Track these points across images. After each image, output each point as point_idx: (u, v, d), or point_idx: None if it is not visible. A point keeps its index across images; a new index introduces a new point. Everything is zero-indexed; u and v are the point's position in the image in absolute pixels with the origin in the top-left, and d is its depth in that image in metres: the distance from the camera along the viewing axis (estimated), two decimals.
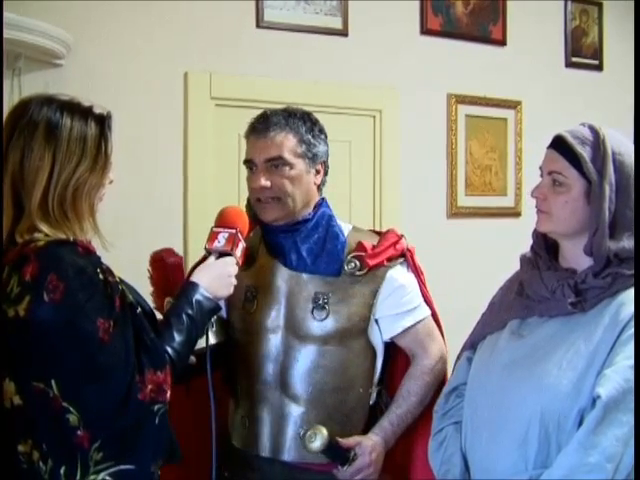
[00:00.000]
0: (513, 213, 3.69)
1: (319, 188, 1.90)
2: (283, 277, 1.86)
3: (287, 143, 1.81)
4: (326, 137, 1.90)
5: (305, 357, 1.82)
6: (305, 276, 1.84)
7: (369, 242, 1.87)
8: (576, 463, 1.38)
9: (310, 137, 1.84)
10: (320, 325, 1.81)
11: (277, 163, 1.80)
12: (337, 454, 1.78)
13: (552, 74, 3.85)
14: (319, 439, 1.71)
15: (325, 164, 1.90)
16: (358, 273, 1.82)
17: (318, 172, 1.87)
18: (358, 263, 1.83)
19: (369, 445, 1.79)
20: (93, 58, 2.81)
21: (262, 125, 1.83)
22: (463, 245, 3.56)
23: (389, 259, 1.86)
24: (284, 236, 1.86)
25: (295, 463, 1.81)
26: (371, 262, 1.83)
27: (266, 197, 1.82)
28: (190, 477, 1.83)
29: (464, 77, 3.59)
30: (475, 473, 1.58)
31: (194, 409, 1.82)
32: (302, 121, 1.84)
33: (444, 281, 3.30)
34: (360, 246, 1.85)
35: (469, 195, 3.63)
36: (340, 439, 1.78)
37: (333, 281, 1.83)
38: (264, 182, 1.80)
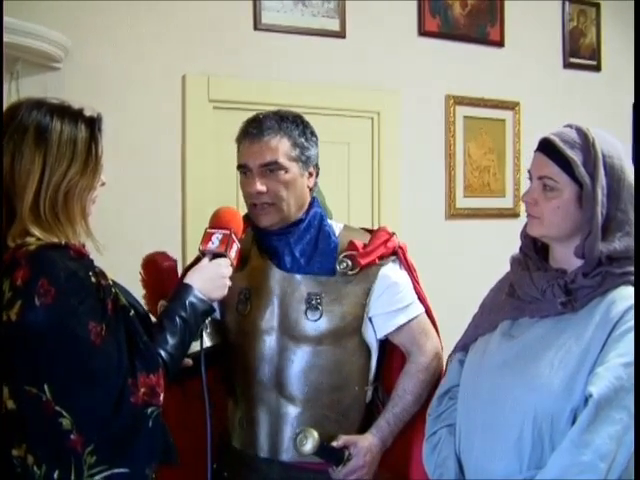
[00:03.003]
0: (511, 214, 3.68)
1: (311, 190, 1.90)
2: (276, 278, 1.86)
3: (282, 147, 1.80)
4: (317, 140, 1.90)
5: (300, 358, 1.82)
6: (298, 277, 1.84)
7: (360, 241, 1.86)
8: (569, 463, 1.38)
9: (303, 140, 1.84)
10: (314, 325, 1.81)
11: (272, 168, 1.80)
12: (330, 455, 1.79)
13: (550, 75, 3.85)
14: (310, 442, 1.72)
15: (316, 167, 1.90)
16: (350, 272, 1.82)
17: (311, 175, 1.88)
18: (350, 262, 1.82)
19: (364, 446, 1.80)
20: (91, 61, 2.81)
21: (256, 129, 1.82)
22: (462, 246, 3.57)
23: (381, 257, 1.86)
24: (277, 238, 1.86)
25: (293, 463, 1.82)
26: (363, 261, 1.82)
27: (262, 202, 1.82)
28: (188, 478, 1.84)
29: (462, 78, 3.59)
30: (469, 475, 1.58)
31: (192, 411, 1.81)
32: (295, 124, 1.84)
33: (443, 282, 3.31)
34: (351, 245, 1.84)
35: (467, 196, 3.62)
36: (335, 439, 1.79)
37: (326, 281, 1.83)
38: (260, 187, 1.80)
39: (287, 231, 1.85)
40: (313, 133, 1.89)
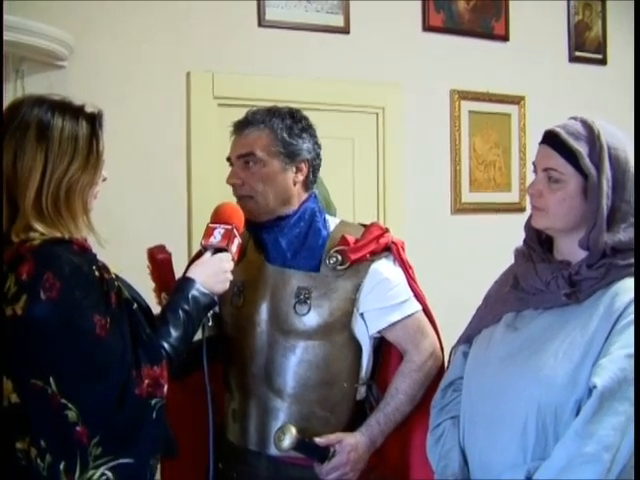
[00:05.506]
0: (517, 208, 3.67)
1: (306, 186, 1.89)
2: (268, 272, 1.87)
3: (260, 141, 1.82)
4: (312, 136, 1.89)
5: (289, 352, 1.82)
6: (288, 271, 1.85)
7: (353, 236, 1.85)
8: (573, 453, 1.39)
9: (287, 135, 1.83)
10: (302, 320, 1.81)
11: (248, 160, 1.82)
12: (313, 451, 1.78)
13: (555, 69, 3.83)
14: (288, 438, 1.72)
15: (309, 162, 1.87)
16: (340, 267, 1.81)
17: (299, 170, 1.86)
18: (340, 257, 1.81)
19: (349, 444, 1.79)
20: (95, 59, 2.82)
21: (241, 123, 1.86)
22: (467, 241, 3.56)
23: (372, 253, 1.84)
24: (266, 232, 1.87)
25: (280, 457, 1.81)
26: (353, 256, 1.81)
27: (240, 194, 1.85)
28: (187, 470, 1.85)
29: (467, 73, 3.58)
30: (473, 467, 1.59)
31: (191, 403, 1.84)
32: (281, 119, 1.84)
33: (448, 277, 3.31)
34: (343, 240, 1.84)
35: (473, 191, 3.62)
36: (319, 437, 1.78)
37: (316, 276, 1.82)
38: (234, 179, 1.84)
39: (276, 224, 1.85)
40: (305, 129, 1.87)
